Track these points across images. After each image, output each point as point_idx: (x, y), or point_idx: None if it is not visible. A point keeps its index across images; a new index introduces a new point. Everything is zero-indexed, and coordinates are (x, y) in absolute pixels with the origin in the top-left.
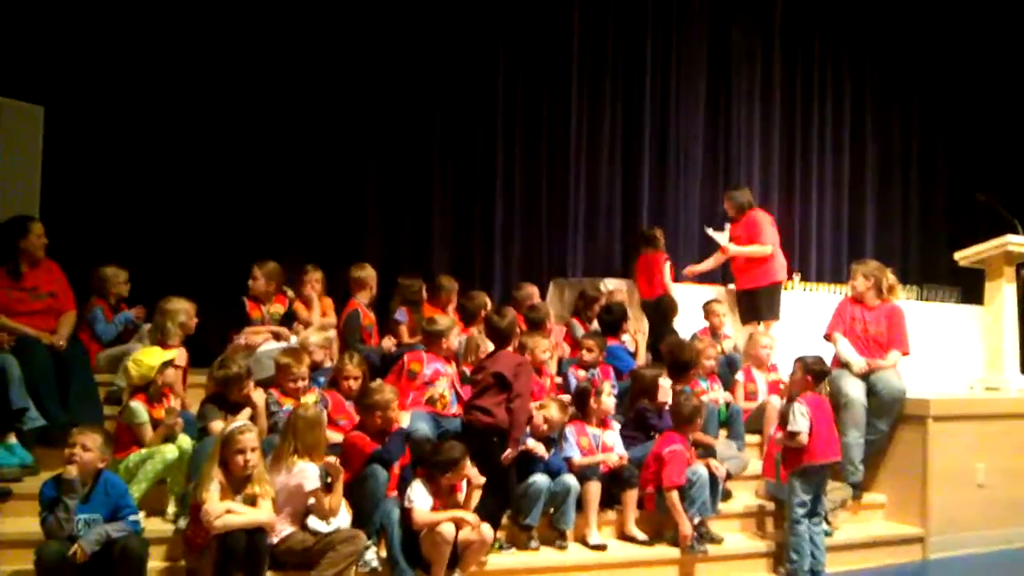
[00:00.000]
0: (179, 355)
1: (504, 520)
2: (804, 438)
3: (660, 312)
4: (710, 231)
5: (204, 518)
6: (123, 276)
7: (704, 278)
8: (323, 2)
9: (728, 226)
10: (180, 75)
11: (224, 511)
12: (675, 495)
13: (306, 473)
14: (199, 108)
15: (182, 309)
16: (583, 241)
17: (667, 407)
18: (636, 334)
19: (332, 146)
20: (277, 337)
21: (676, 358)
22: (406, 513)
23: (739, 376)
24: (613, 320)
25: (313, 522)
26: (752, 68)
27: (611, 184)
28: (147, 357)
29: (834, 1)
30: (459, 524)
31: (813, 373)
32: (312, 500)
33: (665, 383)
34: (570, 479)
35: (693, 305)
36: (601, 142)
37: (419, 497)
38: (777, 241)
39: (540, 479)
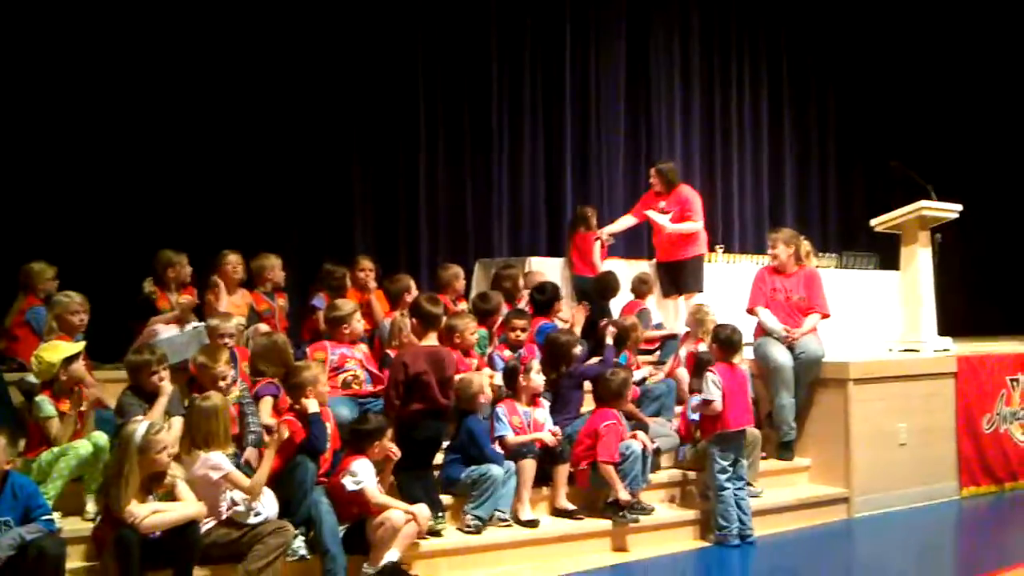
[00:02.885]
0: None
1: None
2: (718, 406)
3: (601, 290)
4: (650, 214)
5: (130, 520)
6: (51, 272)
7: (631, 253)
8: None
9: (664, 205)
10: (94, 68)
11: (151, 512)
12: (611, 468)
13: (210, 462)
14: (108, 104)
15: (60, 302)
16: (508, 222)
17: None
18: (577, 312)
19: (246, 133)
20: (180, 324)
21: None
22: (341, 496)
23: (683, 351)
24: (546, 300)
25: (240, 511)
26: (670, 46)
27: (534, 164)
28: (47, 353)
29: None
30: (407, 513)
31: (719, 342)
32: (226, 488)
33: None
34: (495, 469)
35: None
36: (523, 124)
37: (366, 475)
38: (703, 217)
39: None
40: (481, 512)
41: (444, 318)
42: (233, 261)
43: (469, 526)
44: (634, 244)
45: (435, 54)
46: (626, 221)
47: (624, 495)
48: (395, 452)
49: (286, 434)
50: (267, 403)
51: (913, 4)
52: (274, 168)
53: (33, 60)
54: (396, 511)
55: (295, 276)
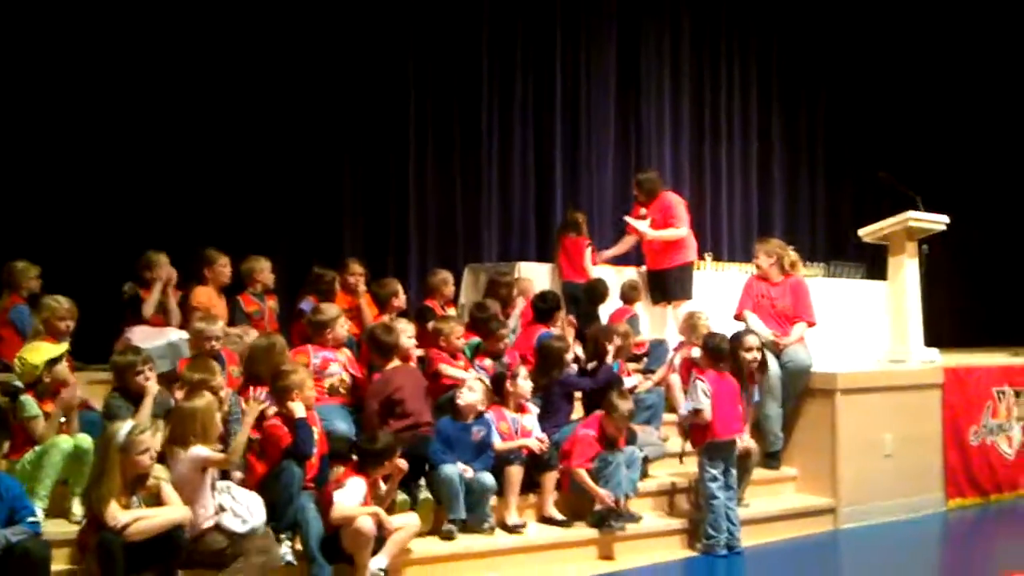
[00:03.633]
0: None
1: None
2: (707, 414)
3: (591, 296)
4: (631, 220)
5: (113, 525)
6: (34, 271)
7: (619, 260)
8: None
9: (644, 212)
10: (84, 68)
11: (134, 519)
12: (583, 473)
13: (190, 455)
14: (97, 103)
15: (47, 306)
16: (497, 226)
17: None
18: (566, 323)
19: (236, 136)
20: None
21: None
22: (328, 504)
23: (677, 358)
24: (547, 308)
25: (228, 520)
26: (661, 52)
27: (524, 169)
28: (31, 355)
29: None
30: (375, 517)
31: (709, 351)
32: (210, 473)
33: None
34: (486, 477)
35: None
36: (513, 128)
37: (350, 493)
38: (688, 222)
39: (449, 470)
40: (453, 516)
41: (404, 340)
42: (223, 262)
43: (444, 532)
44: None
45: (426, 57)
46: (625, 243)
47: (604, 501)
48: (403, 467)
49: (260, 407)
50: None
51: (903, 16)
52: (264, 171)
53: (22, 61)
54: (364, 518)
55: (284, 279)
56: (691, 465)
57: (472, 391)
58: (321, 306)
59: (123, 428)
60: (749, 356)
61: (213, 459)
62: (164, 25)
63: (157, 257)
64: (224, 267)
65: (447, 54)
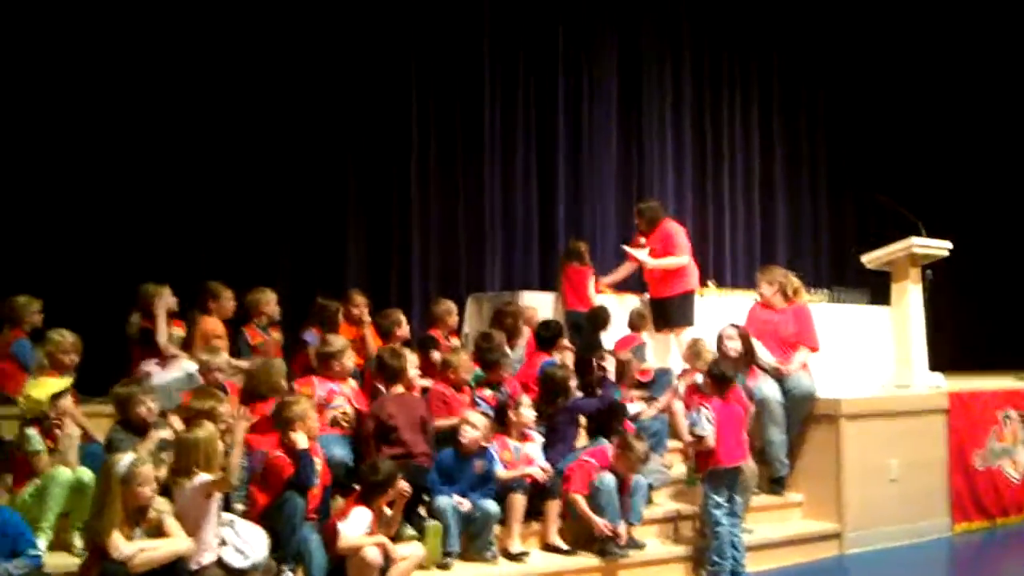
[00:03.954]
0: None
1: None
2: (710, 441)
3: (593, 324)
4: (630, 249)
5: (116, 555)
6: (36, 305)
7: (623, 287)
8: (237, 27)
9: (644, 241)
10: (81, 95)
11: (138, 550)
12: (580, 499)
13: (196, 483)
14: (95, 134)
15: (53, 340)
16: (500, 256)
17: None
18: (564, 351)
19: (237, 165)
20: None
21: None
22: (331, 536)
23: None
24: (551, 336)
25: (228, 554)
26: (662, 79)
27: (527, 198)
28: (35, 390)
29: (742, 12)
30: (382, 547)
31: (714, 377)
32: (215, 502)
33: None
34: (490, 505)
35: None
36: (515, 156)
37: (355, 524)
38: (689, 250)
39: (442, 501)
40: (447, 548)
41: (409, 365)
42: (228, 295)
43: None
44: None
45: (428, 86)
46: (624, 269)
47: (600, 528)
48: (407, 490)
49: (246, 422)
50: None
51: (903, 38)
52: (265, 198)
53: (21, 87)
54: (371, 548)
55: (286, 309)
56: (695, 492)
57: (475, 428)
58: (328, 338)
59: (124, 460)
60: (730, 345)
61: (212, 481)
62: (163, 46)
63: (160, 289)
64: (229, 300)
65: (449, 82)
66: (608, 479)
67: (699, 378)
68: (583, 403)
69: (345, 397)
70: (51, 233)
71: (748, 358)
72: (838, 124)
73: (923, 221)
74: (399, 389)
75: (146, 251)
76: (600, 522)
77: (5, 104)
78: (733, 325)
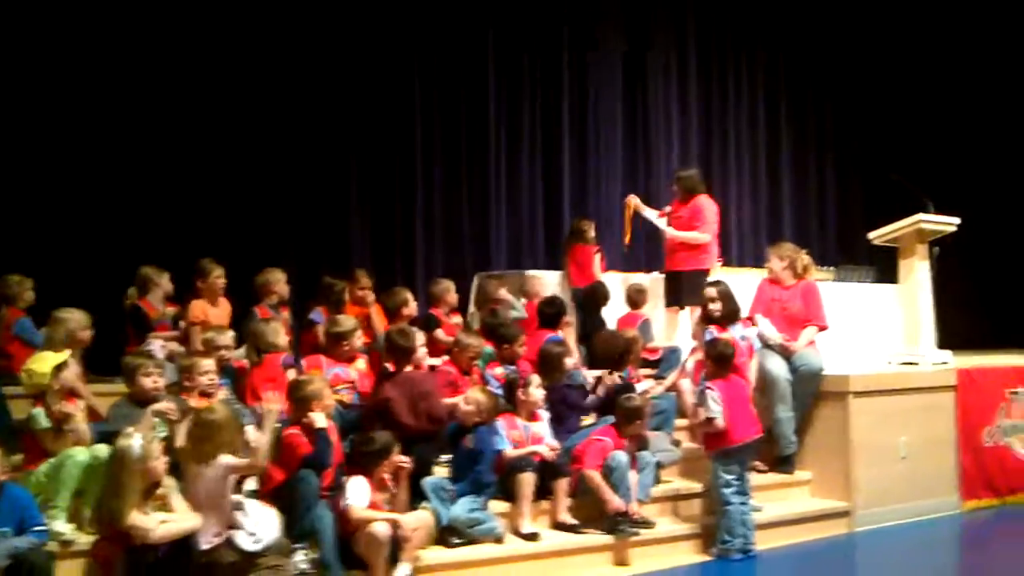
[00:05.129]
0: (71, 360)
1: None
2: (720, 422)
3: (593, 299)
4: (651, 217)
5: (138, 533)
6: (29, 283)
7: (629, 265)
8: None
9: (668, 209)
10: (87, 78)
11: (159, 522)
12: (595, 475)
13: (220, 464)
14: (98, 113)
15: (71, 319)
16: (506, 235)
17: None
18: (567, 326)
19: (243, 148)
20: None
21: (612, 350)
22: (341, 513)
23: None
24: (555, 312)
25: (240, 537)
26: (668, 58)
27: (532, 177)
28: (37, 365)
29: None
30: (393, 523)
31: (713, 358)
32: (231, 483)
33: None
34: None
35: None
36: (521, 135)
37: (357, 493)
38: (716, 231)
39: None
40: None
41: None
42: (218, 273)
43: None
44: (631, 256)
45: (433, 66)
46: (651, 213)
47: (615, 504)
48: (406, 462)
49: (276, 408)
50: None
51: (910, 18)
52: (270, 179)
53: (22, 69)
54: (379, 523)
55: (291, 288)
56: (704, 470)
57: (467, 403)
58: (338, 318)
59: (135, 439)
60: (712, 307)
61: (239, 465)
62: (166, 34)
63: (159, 274)
64: (219, 278)
65: (454, 64)
66: (621, 457)
67: None
68: (576, 400)
69: (349, 384)
70: (57, 215)
71: (730, 310)
72: (845, 101)
73: (930, 197)
74: (408, 368)
75: (152, 233)
76: (615, 499)
77: (14, 88)
78: (711, 283)
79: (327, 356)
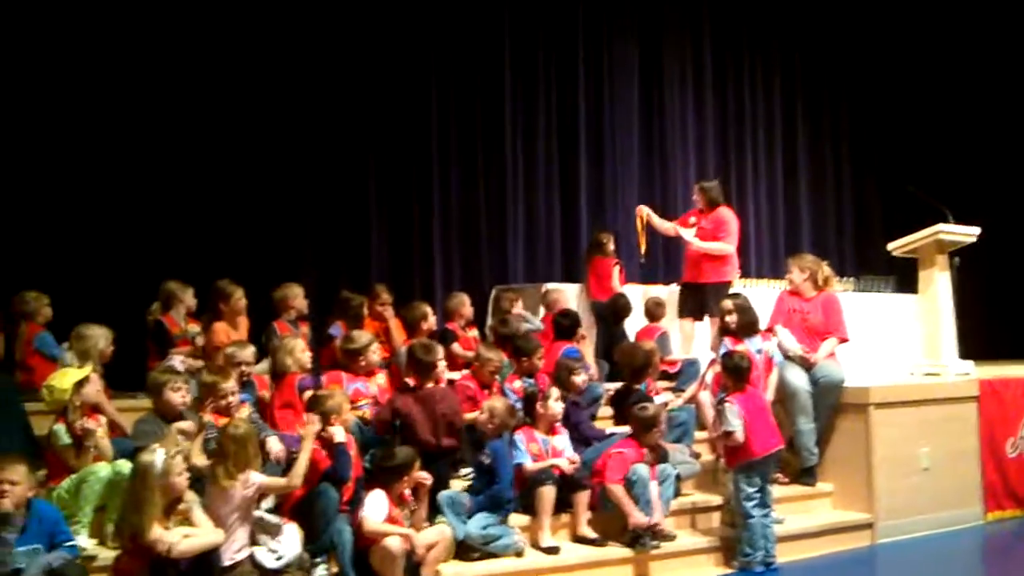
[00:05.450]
0: (92, 375)
1: None
2: (740, 436)
3: (614, 312)
4: (678, 228)
5: (162, 547)
6: (46, 299)
7: (648, 278)
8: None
9: (694, 220)
10: (103, 90)
11: (182, 536)
12: (618, 489)
13: (248, 482)
14: (114, 127)
15: (101, 335)
16: (523, 248)
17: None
18: (582, 339)
19: (262, 163)
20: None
21: (632, 362)
22: (359, 527)
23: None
24: (570, 324)
25: (261, 554)
26: (684, 69)
27: (549, 190)
28: (58, 381)
29: (764, 2)
30: (406, 538)
31: (729, 372)
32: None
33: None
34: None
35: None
36: (537, 148)
37: (374, 507)
38: (737, 241)
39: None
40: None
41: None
42: (239, 295)
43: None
44: (649, 268)
45: (449, 79)
46: (665, 224)
47: (638, 517)
48: (426, 478)
49: (316, 424)
50: None
51: (927, 26)
52: (288, 193)
53: (39, 85)
54: (393, 537)
55: (310, 303)
56: (723, 482)
57: (482, 412)
58: (353, 334)
59: (158, 453)
60: (728, 320)
61: (275, 485)
62: (181, 45)
63: (182, 290)
64: (240, 299)
65: (470, 75)
66: (641, 470)
67: None
68: (573, 412)
69: (370, 399)
70: (77, 231)
71: (747, 322)
72: (863, 110)
73: (950, 207)
74: (429, 384)
75: (171, 248)
76: (637, 513)
77: (33, 104)
78: (728, 296)
79: (347, 371)
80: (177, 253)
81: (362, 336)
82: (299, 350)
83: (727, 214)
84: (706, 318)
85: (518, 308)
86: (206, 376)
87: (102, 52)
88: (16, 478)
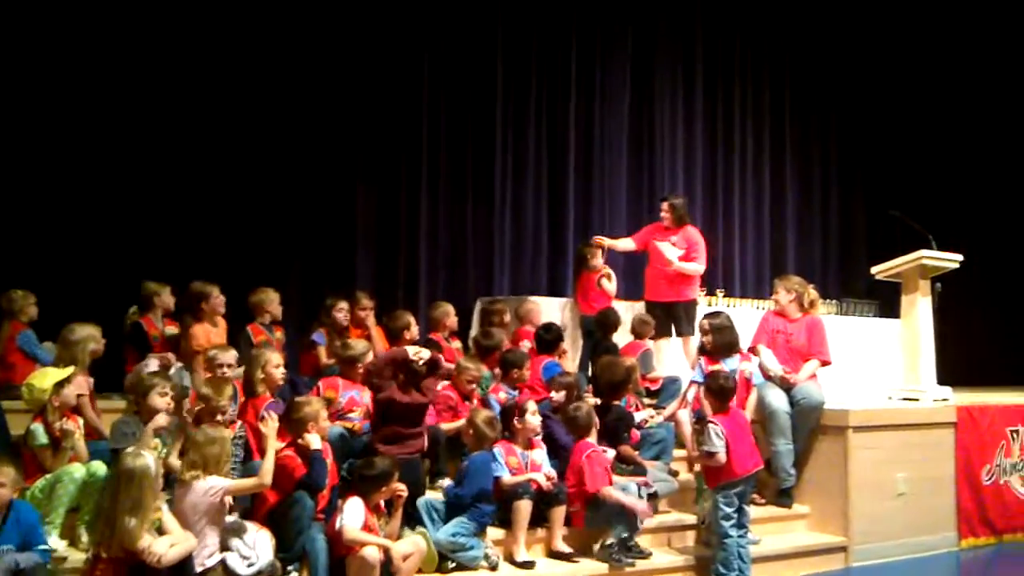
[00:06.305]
0: (77, 376)
1: None
2: (722, 457)
3: (603, 325)
4: (661, 246)
5: (151, 557)
6: (32, 298)
7: (631, 294)
8: (242, 33)
9: (674, 239)
10: (90, 91)
11: (169, 546)
12: (611, 490)
13: (206, 487)
14: (99, 127)
15: (90, 336)
16: (509, 261)
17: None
18: (564, 354)
19: (248, 169)
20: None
21: (611, 378)
22: (334, 535)
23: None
24: (552, 338)
25: (233, 560)
26: (675, 89)
27: (536, 204)
28: (38, 380)
29: (753, 24)
30: (384, 549)
31: (714, 392)
32: (228, 499)
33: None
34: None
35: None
36: (526, 162)
37: (352, 515)
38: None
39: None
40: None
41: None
42: (217, 293)
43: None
44: (634, 284)
45: (439, 87)
46: (625, 243)
47: (642, 508)
48: (403, 490)
49: (274, 424)
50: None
51: (915, 51)
52: (274, 199)
53: (24, 84)
54: (370, 548)
55: (295, 310)
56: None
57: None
58: (350, 342)
59: (148, 457)
60: (704, 339)
61: (244, 486)
62: (169, 46)
63: (160, 287)
64: (218, 297)
65: (460, 84)
66: (630, 487)
67: None
68: (560, 437)
69: (363, 409)
70: (60, 232)
71: (726, 343)
72: (849, 135)
73: (933, 233)
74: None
75: (155, 252)
76: (639, 503)
77: (21, 99)
78: (707, 315)
79: (343, 378)
80: (162, 260)
81: (359, 344)
82: (271, 365)
83: (696, 233)
84: (674, 336)
85: (507, 319)
86: (203, 388)
87: (89, 56)
88: (3, 480)
